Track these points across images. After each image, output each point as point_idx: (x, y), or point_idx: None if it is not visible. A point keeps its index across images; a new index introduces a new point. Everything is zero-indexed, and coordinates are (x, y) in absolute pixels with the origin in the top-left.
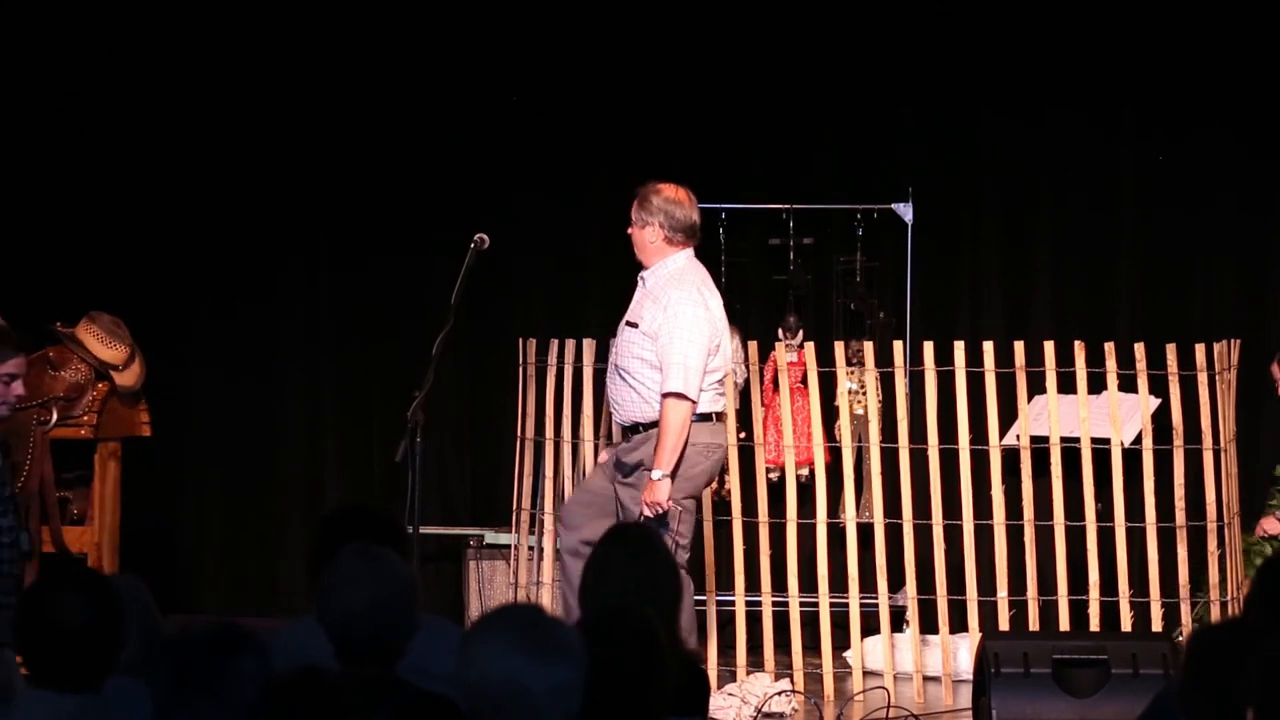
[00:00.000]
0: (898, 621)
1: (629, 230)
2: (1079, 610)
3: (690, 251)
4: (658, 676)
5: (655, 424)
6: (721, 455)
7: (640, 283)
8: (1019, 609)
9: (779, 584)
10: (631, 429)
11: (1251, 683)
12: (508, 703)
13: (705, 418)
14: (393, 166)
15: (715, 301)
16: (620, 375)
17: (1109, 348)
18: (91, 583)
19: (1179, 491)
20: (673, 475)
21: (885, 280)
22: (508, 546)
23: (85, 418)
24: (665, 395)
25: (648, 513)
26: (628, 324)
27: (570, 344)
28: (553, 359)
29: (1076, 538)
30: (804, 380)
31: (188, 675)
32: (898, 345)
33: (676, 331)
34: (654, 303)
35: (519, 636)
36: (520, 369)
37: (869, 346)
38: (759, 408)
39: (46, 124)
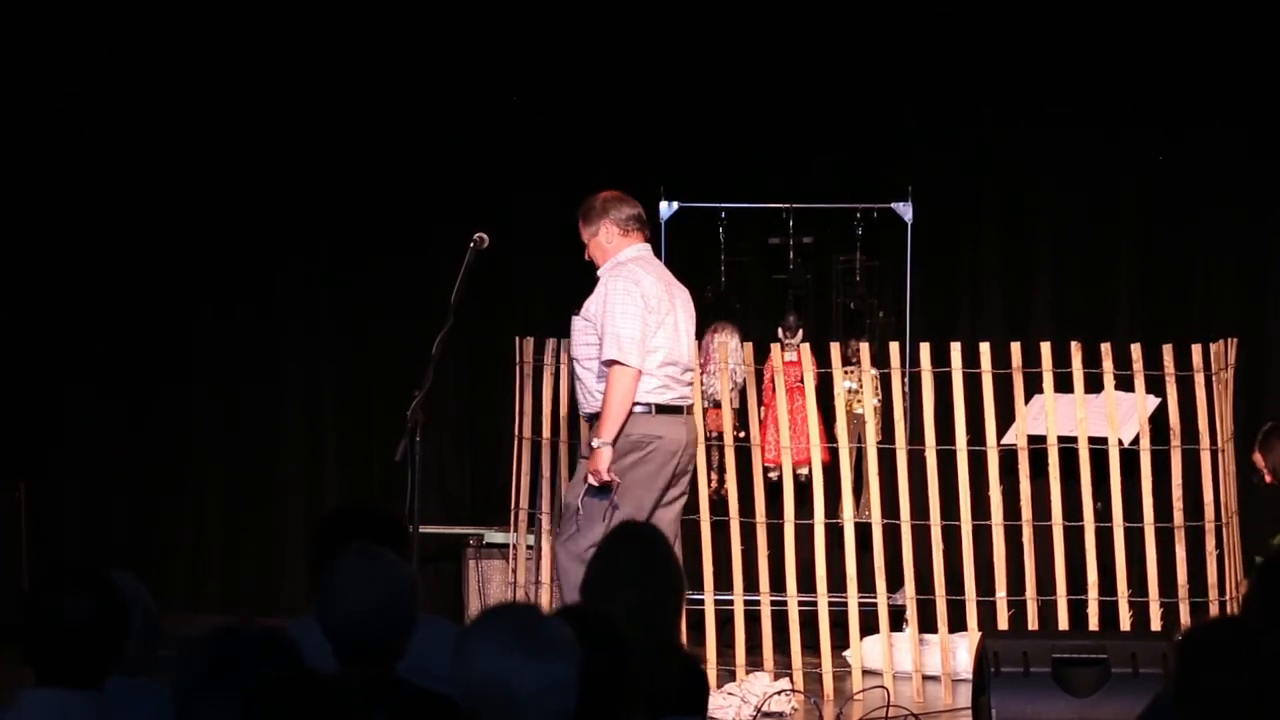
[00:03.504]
0: (896, 621)
1: (586, 255)
2: (1077, 610)
3: (643, 245)
4: (617, 671)
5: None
6: (664, 448)
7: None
8: (1017, 609)
9: (777, 584)
10: (587, 417)
11: (1247, 682)
12: (496, 700)
13: (646, 408)
14: (393, 167)
15: (649, 279)
16: (574, 365)
17: (1105, 348)
18: (95, 580)
19: (1176, 492)
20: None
21: (885, 280)
22: (507, 546)
23: None
24: (604, 364)
25: (592, 481)
26: (574, 313)
27: (566, 343)
28: (549, 358)
29: (1074, 538)
30: (803, 380)
31: (221, 673)
32: (894, 346)
33: (606, 307)
34: (598, 291)
35: (510, 635)
36: (517, 368)
37: (865, 346)
38: (756, 407)
39: (46, 124)
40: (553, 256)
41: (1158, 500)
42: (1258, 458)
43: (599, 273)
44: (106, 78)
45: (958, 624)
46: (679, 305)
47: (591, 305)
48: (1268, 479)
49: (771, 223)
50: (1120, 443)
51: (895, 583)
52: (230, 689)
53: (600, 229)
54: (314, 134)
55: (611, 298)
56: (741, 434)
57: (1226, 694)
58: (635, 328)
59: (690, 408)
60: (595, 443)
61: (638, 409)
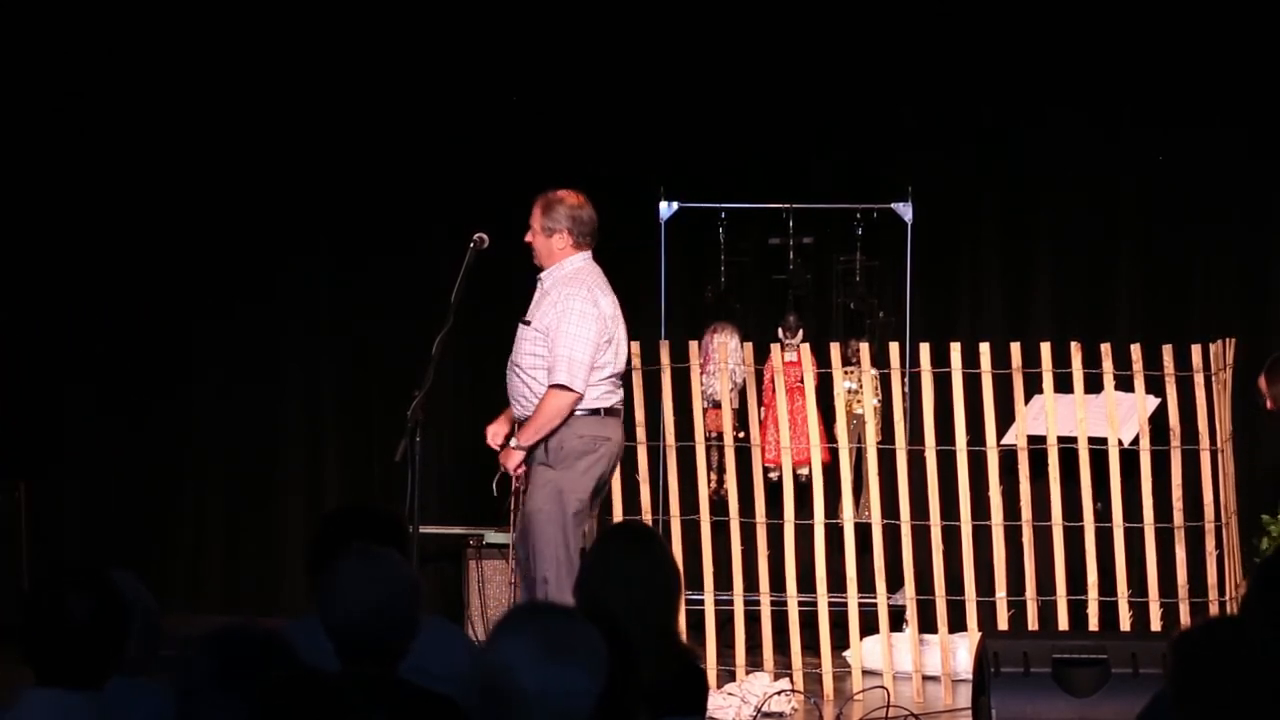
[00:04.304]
0: (896, 621)
1: (529, 239)
2: (1077, 610)
3: (590, 254)
4: (626, 675)
5: None
6: (610, 450)
7: (539, 284)
8: (1017, 609)
9: (777, 584)
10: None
11: (1243, 682)
12: (503, 693)
13: (594, 412)
14: (393, 167)
15: (606, 300)
16: (516, 372)
17: (1105, 349)
18: (96, 580)
19: (1176, 492)
20: (552, 464)
21: (885, 280)
22: (507, 546)
23: None
24: (550, 386)
25: (506, 469)
26: (523, 322)
27: None
28: None
29: (1074, 538)
30: (803, 380)
31: (224, 676)
32: (894, 346)
33: (565, 327)
34: (549, 302)
35: (534, 632)
36: None
37: (865, 347)
38: (756, 407)
39: (46, 124)
40: None
41: (1158, 500)
42: (1262, 383)
43: (545, 277)
44: (106, 78)
45: (958, 624)
46: (619, 314)
47: (545, 318)
48: (1269, 405)
49: (771, 223)
50: (1120, 443)
51: (895, 583)
52: (231, 690)
53: (558, 234)
54: (314, 134)
55: (570, 318)
56: (741, 434)
57: (1224, 695)
58: (588, 353)
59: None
60: (514, 443)
61: (587, 414)
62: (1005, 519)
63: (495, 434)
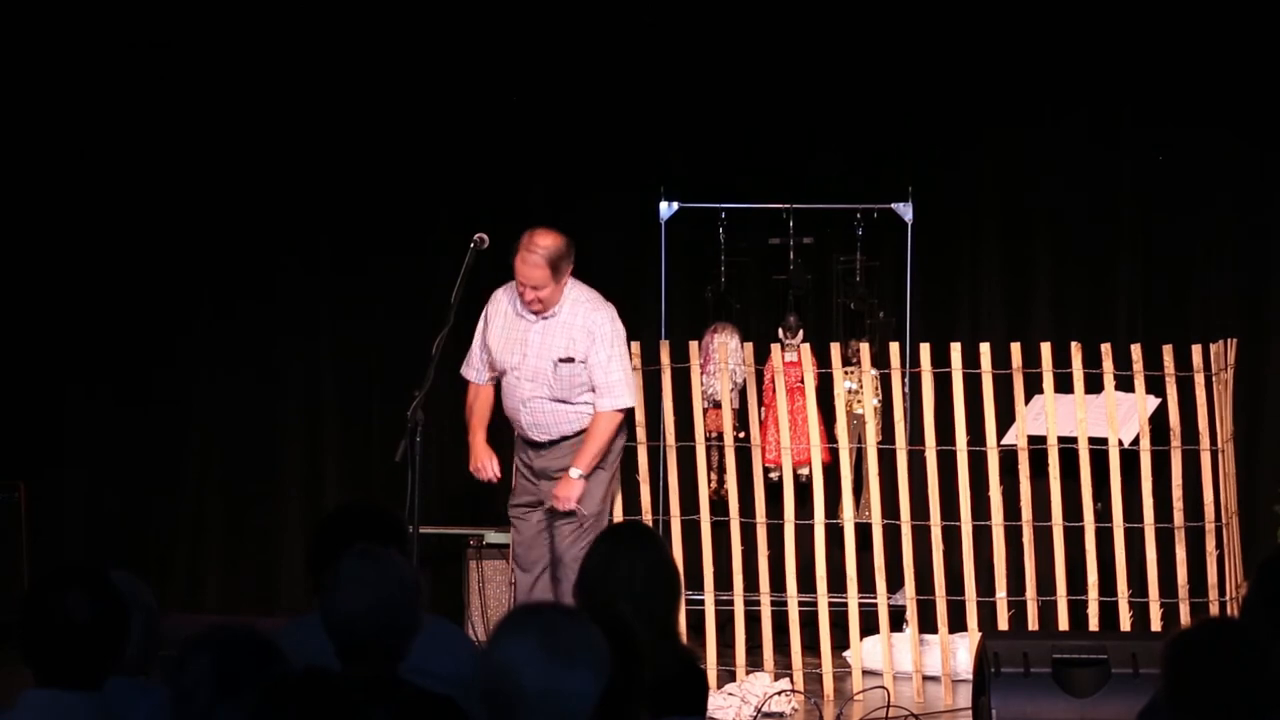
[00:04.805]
0: (896, 621)
1: (535, 296)
2: (1077, 610)
3: None
4: (629, 676)
5: (581, 432)
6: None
7: (546, 316)
8: (1017, 609)
9: (777, 584)
10: (558, 440)
11: (1239, 683)
12: (504, 692)
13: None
14: (393, 166)
15: (617, 314)
16: (555, 405)
17: (1105, 349)
18: (95, 580)
19: (1177, 492)
20: (605, 468)
21: (885, 280)
22: (507, 546)
23: None
24: (612, 410)
25: (561, 506)
26: (561, 361)
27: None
28: None
29: (1074, 538)
30: (803, 380)
31: (218, 676)
32: (894, 346)
33: (608, 351)
34: (580, 331)
35: (538, 632)
36: None
37: (865, 347)
38: (757, 407)
39: (47, 123)
40: None
41: (1158, 501)
42: None
43: (563, 309)
44: (107, 77)
45: (958, 624)
46: None
47: (585, 346)
48: None
49: (771, 223)
50: (1120, 443)
51: (895, 583)
52: (227, 692)
53: (564, 273)
54: (314, 134)
55: (614, 343)
56: (741, 434)
57: (1220, 695)
58: (630, 371)
59: None
60: (575, 473)
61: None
62: (1005, 519)
63: (491, 468)
